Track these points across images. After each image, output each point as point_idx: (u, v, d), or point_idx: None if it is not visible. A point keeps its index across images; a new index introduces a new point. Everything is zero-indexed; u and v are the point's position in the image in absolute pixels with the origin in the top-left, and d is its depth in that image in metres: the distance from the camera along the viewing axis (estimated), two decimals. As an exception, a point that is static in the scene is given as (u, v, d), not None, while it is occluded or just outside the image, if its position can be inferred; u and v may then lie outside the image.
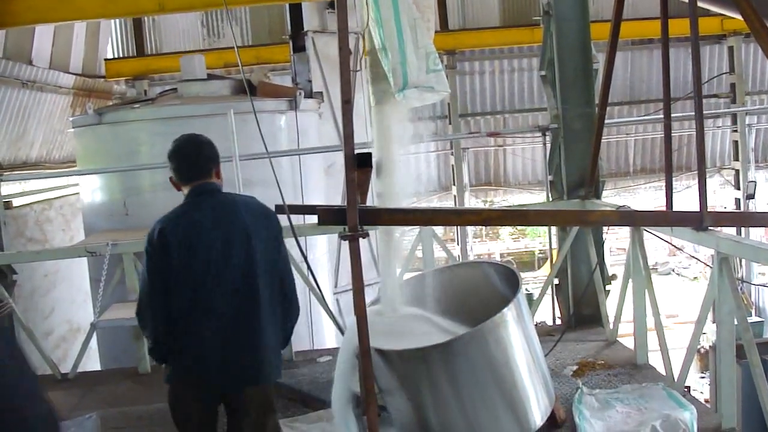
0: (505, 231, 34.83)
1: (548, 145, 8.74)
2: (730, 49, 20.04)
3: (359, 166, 4.41)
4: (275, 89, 9.95)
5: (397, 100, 4.62)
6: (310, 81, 10.44)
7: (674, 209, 6.26)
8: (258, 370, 4.32)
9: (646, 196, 21.89)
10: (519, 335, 4.83)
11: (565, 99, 8.17)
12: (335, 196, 10.22)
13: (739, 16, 5.38)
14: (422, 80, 4.58)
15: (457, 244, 20.12)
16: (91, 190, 9.89)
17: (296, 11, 10.87)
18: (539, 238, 31.93)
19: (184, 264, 4.19)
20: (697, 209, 5.39)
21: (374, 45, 4.75)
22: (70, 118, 11.51)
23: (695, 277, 29.24)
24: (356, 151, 4.41)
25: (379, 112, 4.96)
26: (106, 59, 18.58)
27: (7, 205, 10.81)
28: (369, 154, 4.52)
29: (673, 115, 6.51)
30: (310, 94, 10.22)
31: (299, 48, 10.84)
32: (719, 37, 19.82)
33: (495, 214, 5.36)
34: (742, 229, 12.78)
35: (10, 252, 9.35)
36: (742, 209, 19.85)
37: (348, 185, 4.39)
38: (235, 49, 6.32)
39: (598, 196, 8.14)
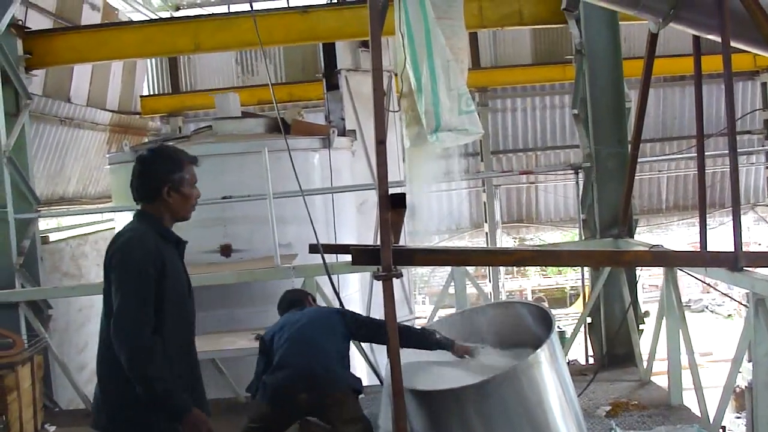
0: (534, 267, 34.59)
1: (581, 183, 8.74)
2: (764, 85, 19.89)
3: (393, 206, 4.43)
4: (309, 127, 10.04)
5: (430, 142, 4.66)
6: (343, 119, 10.53)
7: (708, 248, 6.22)
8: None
9: (680, 233, 21.69)
10: (552, 376, 4.81)
11: (598, 138, 8.19)
12: (367, 233, 10.26)
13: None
14: (455, 122, 4.62)
15: (489, 281, 20.03)
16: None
17: (330, 50, 10.99)
18: (571, 274, 31.64)
19: None
20: (732, 248, 5.35)
21: (410, 87, 4.80)
22: (107, 155, 11.67)
23: (729, 315, 28.80)
24: (390, 192, 4.44)
25: (414, 153, 4.99)
26: (141, 96, 18.85)
27: (44, 240, 10.95)
28: (403, 195, 4.55)
29: (706, 153, 6.47)
30: (343, 132, 10.30)
31: (332, 86, 10.94)
32: (752, 73, 19.70)
33: (528, 254, 5.35)
34: (778, 267, 12.62)
35: (47, 287, 9.47)
36: (777, 247, 19.61)
37: (382, 226, 4.42)
38: (270, 88, 6.41)
39: (631, 234, 8.11)
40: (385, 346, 4.56)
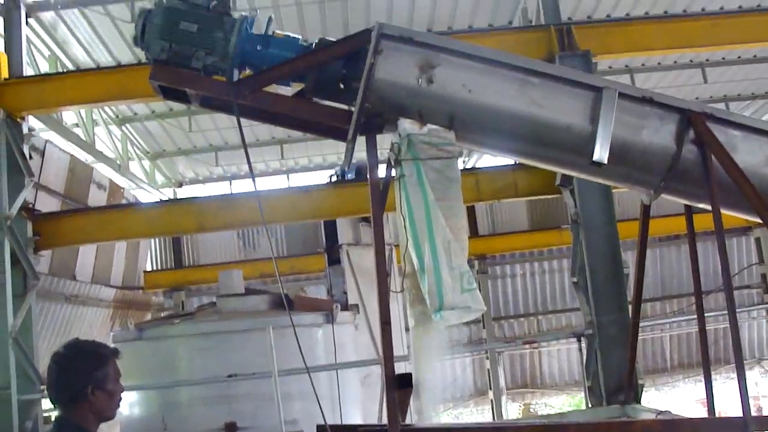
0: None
1: (584, 349, 8.77)
2: (757, 239, 20.12)
3: (400, 386, 4.47)
4: (312, 303, 10.13)
5: (434, 321, 4.75)
6: (345, 293, 10.61)
7: (716, 405, 6.17)
8: None
9: (687, 389, 21.41)
10: None
11: (598, 306, 8.29)
12: (372, 406, 10.17)
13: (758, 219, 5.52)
14: (457, 300, 4.73)
15: (496, 447, 19.55)
16: (129, 404, 9.92)
17: (331, 225, 11.20)
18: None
19: None
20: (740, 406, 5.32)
21: (413, 267, 4.93)
22: (111, 332, 11.70)
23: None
24: (396, 372, 4.49)
25: (418, 333, 5.07)
26: (145, 271, 19.03)
27: (47, 420, 10.82)
28: (409, 375, 4.60)
29: (706, 313, 6.50)
30: (345, 307, 10.37)
31: (334, 261, 11.08)
32: (745, 229, 19.92)
33: (536, 429, 5.35)
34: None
35: (48, 474, 9.32)
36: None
37: (389, 405, 4.45)
38: (274, 264, 6.54)
39: (637, 400, 8.08)
40: None
